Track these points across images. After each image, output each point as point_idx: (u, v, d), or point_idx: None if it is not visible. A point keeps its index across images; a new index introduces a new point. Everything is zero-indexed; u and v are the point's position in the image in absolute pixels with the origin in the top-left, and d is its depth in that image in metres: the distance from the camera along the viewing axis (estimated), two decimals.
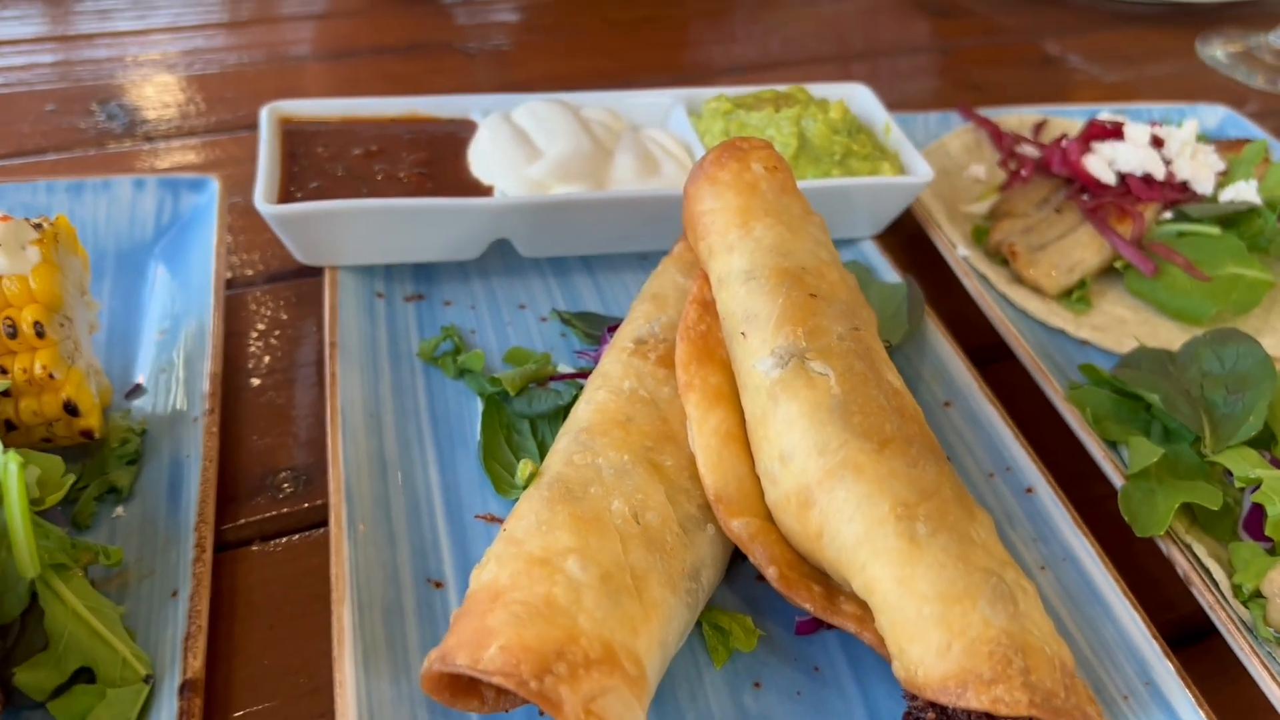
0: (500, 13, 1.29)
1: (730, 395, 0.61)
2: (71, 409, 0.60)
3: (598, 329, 0.76)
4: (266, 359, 0.77)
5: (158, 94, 1.07)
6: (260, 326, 0.80)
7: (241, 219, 0.89)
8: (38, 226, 0.61)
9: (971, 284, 0.82)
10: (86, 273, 0.67)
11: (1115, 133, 0.91)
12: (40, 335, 0.58)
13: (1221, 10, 1.40)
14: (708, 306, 0.64)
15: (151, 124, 1.02)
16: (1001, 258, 0.87)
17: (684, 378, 0.61)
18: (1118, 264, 0.86)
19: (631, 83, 1.16)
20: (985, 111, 1.04)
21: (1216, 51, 1.32)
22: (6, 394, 0.58)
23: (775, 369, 0.58)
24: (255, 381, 0.75)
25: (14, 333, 0.58)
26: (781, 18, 1.35)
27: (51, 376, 0.59)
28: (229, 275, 0.83)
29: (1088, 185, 0.89)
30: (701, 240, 0.64)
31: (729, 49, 1.27)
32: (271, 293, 0.83)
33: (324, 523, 0.66)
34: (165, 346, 0.72)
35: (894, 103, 1.14)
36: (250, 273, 0.85)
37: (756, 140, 0.66)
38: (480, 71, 1.16)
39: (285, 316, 0.81)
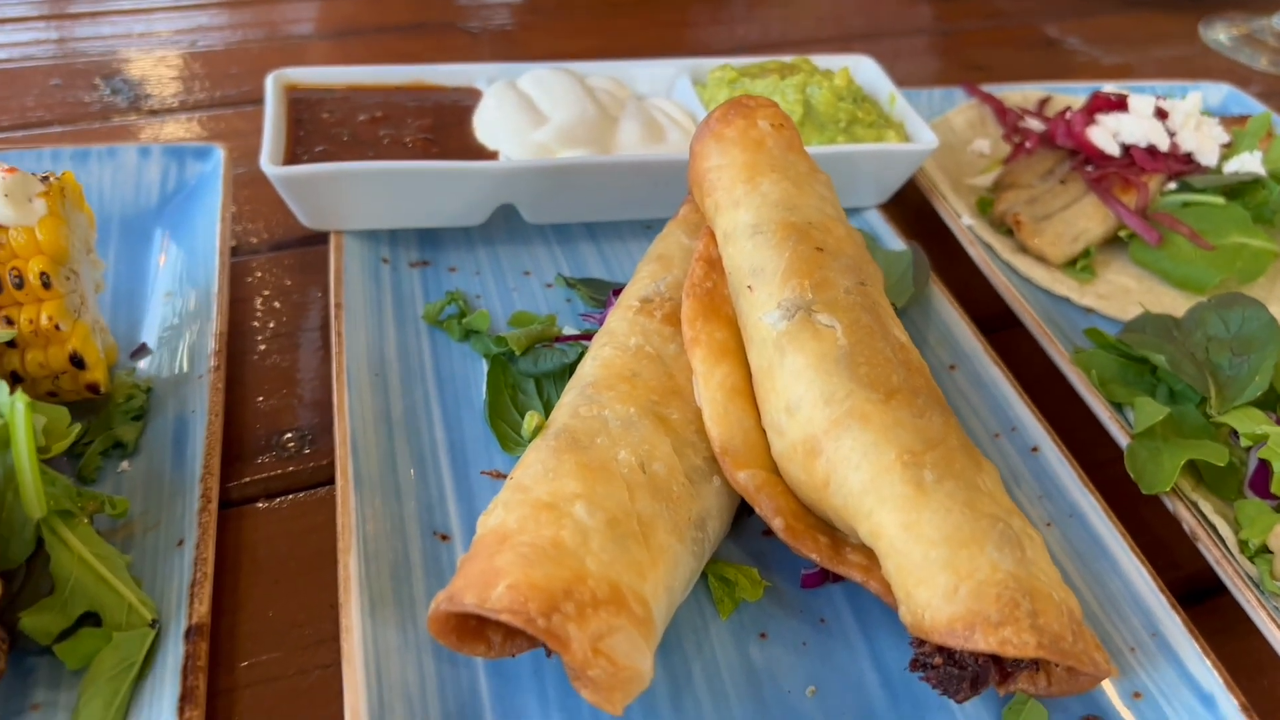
0: None
1: (736, 350, 0.61)
2: (78, 361, 0.60)
3: (602, 293, 0.76)
4: (271, 323, 0.77)
5: (161, 69, 1.08)
6: (265, 292, 0.80)
7: (246, 189, 0.89)
8: (44, 179, 0.61)
9: (976, 252, 0.82)
10: (92, 230, 0.67)
11: (1119, 105, 0.91)
12: (46, 286, 0.58)
13: None
14: (714, 264, 0.64)
15: (155, 98, 1.03)
16: (1006, 228, 0.87)
17: (690, 333, 0.61)
18: (1122, 233, 0.86)
19: (636, 60, 1.16)
20: (988, 88, 1.04)
21: (1219, 35, 1.32)
22: (12, 345, 0.58)
23: (782, 321, 0.58)
24: (260, 345, 0.75)
25: (20, 283, 0.58)
26: (785, 0, 1.36)
27: (58, 328, 0.59)
28: (234, 244, 0.83)
29: (1092, 156, 0.89)
30: (708, 196, 0.64)
31: (731, 30, 1.27)
32: (276, 260, 0.83)
33: (328, 481, 0.66)
34: (171, 309, 0.72)
35: (897, 81, 1.15)
36: (255, 241, 0.85)
37: (762, 98, 0.66)
38: (484, 50, 1.16)
39: (289, 283, 0.81)
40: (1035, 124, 0.97)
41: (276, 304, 0.79)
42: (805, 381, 0.55)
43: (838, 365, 0.56)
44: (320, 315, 0.78)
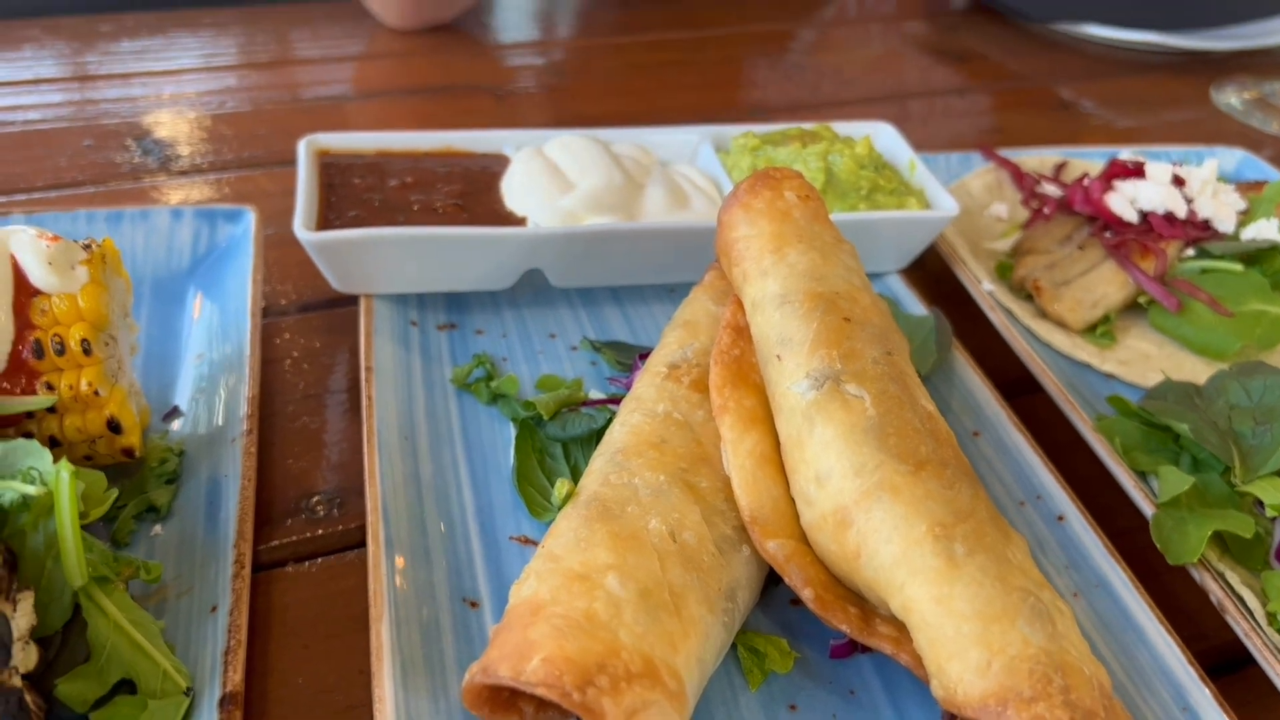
0: (530, 56, 1.32)
1: (764, 418, 0.61)
2: (114, 426, 0.61)
3: (628, 357, 0.76)
4: (300, 384, 0.78)
5: (191, 130, 1.10)
6: (294, 354, 0.81)
7: (275, 250, 0.91)
8: (86, 247, 0.62)
9: (998, 318, 0.82)
10: (129, 295, 0.68)
11: (1137, 171, 0.92)
12: (87, 353, 0.59)
13: (1235, 58, 1.42)
14: (741, 331, 0.65)
15: (185, 159, 1.04)
16: (1026, 293, 0.88)
17: (718, 400, 0.62)
18: (1141, 299, 0.86)
19: (658, 123, 1.18)
20: (1005, 153, 1.06)
21: (1231, 98, 1.34)
22: (51, 409, 0.59)
23: (811, 391, 0.58)
24: (289, 407, 0.76)
25: (61, 349, 0.59)
26: (802, 63, 1.38)
27: (96, 393, 0.60)
28: (263, 304, 0.84)
29: (1110, 223, 0.90)
30: (736, 266, 0.65)
31: (751, 93, 1.29)
32: (305, 321, 0.84)
33: (358, 545, 0.66)
34: (202, 371, 0.73)
35: (915, 144, 1.16)
36: (284, 301, 0.86)
37: (788, 170, 0.67)
38: (510, 114, 1.18)
39: (318, 344, 0.82)
40: (1052, 189, 0.98)
41: (305, 365, 0.80)
42: (835, 452, 0.56)
43: (867, 436, 0.56)
44: (348, 377, 0.79)
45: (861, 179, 0.82)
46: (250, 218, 0.84)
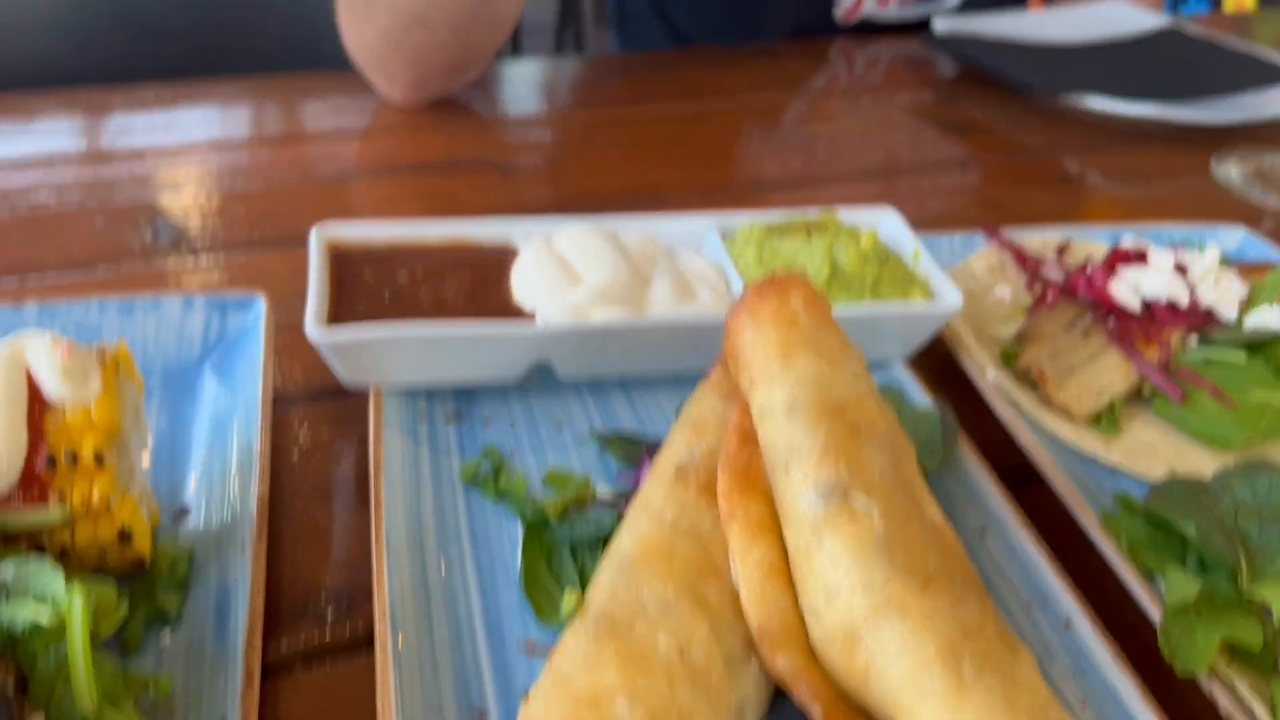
0: (534, 130, 1.34)
1: (772, 526, 0.61)
2: (125, 536, 0.61)
3: (636, 451, 0.77)
4: (309, 479, 0.78)
5: (202, 209, 1.11)
6: (303, 444, 0.81)
7: (285, 335, 0.91)
8: (100, 355, 0.63)
9: (1003, 410, 0.83)
10: (141, 396, 0.69)
11: (1139, 258, 0.93)
12: (99, 464, 0.60)
13: (1236, 130, 1.44)
14: (748, 436, 0.65)
15: (196, 239, 1.06)
16: (1031, 381, 0.88)
17: (726, 508, 0.62)
18: (1145, 389, 0.87)
19: (661, 200, 1.19)
20: (1008, 232, 1.07)
21: (1231, 170, 1.35)
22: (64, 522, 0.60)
23: (819, 503, 0.59)
24: (298, 502, 0.76)
25: (74, 461, 0.60)
26: (803, 134, 1.39)
27: (108, 505, 0.60)
28: (273, 393, 0.84)
29: (1113, 310, 0.91)
30: (743, 372, 0.66)
31: (752, 168, 1.31)
32: (314, 410, 0.85)
33: (365, 645, 0.66)
34: (212, 467, 0.74)
35: (916, 220, 1.17)
36: (292, 389, 0.87)
37: (795, 274, 0.68)
38: (517, 189, 1.19)
39: (327, 434, 0.83)
40: (1055, 272, 0.99)
41: (314, 457, 0.80)
42: (843, 567, 0.56)
43: (875, 551, 0.56)
44: (355, 470, 0.80)
45: (866, 272, 0.83)
46: (261, 306, 0.85)
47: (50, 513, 0.58)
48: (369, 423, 0.77)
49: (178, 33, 1.78)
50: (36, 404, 0.60)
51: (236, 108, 1.35)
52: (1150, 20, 1.75)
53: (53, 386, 0.60)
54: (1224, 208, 1.29)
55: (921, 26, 1.79)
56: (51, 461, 0.59)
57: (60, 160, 1.19)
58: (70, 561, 0.61)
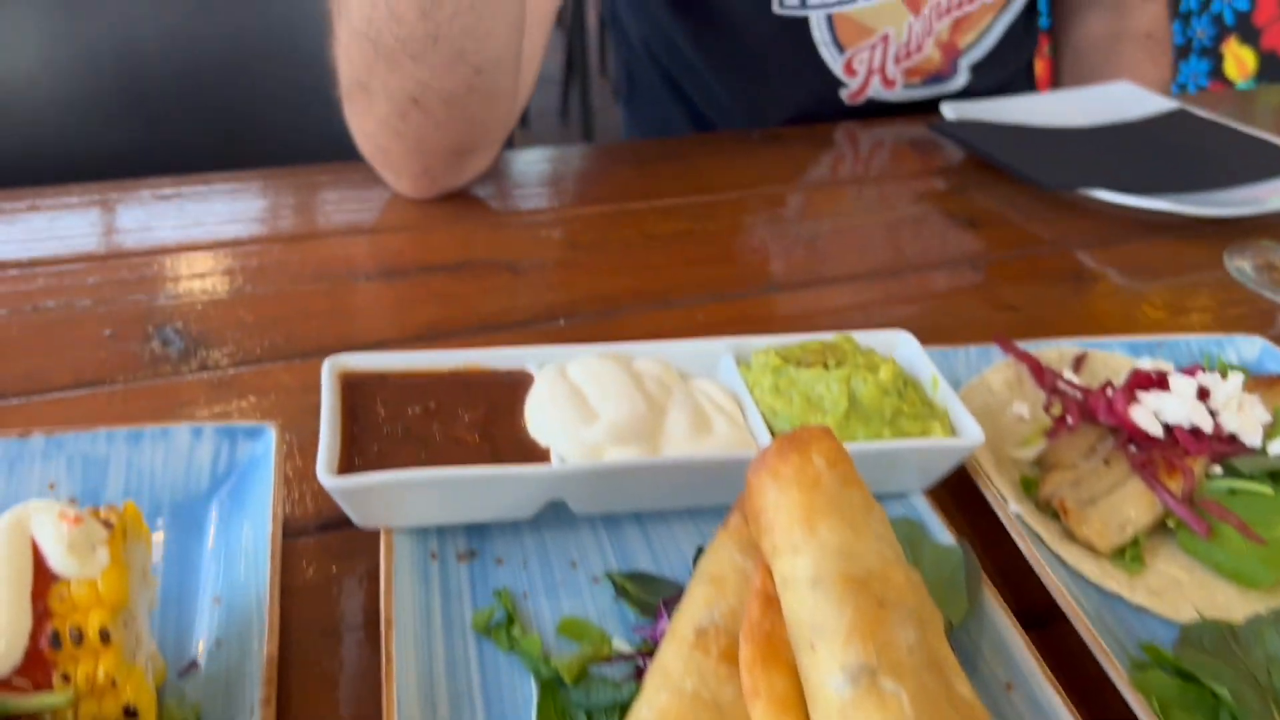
0: (545, 225, 1.33)
1: (797, 703, 0.60)
2: (131, 713, 0.59)
3: (653, 595, 0.75)
4: (318, 620, 0.77)
5: (211, 316, 1.10)
6: (313, 581, 0.80)
7: (294, 460, 0.90)
8: (107, 524, 0.62)
9: (1025, 546, 0.81)
10: (149, 553, 0.67)
11: (1160, 383, 0.92)
12: (105, 641, 0.58)
13: (1247, 221, 1.43)
14: (771, 602, 0.64)
15: (204, 347, 1.05)
16: (1052, 510, 0.87)
17: (749, 682, 0.60)
18: (1169, 521, 0.85)
19: (671, 301, 1.19)
20: (1023, 343, 1.06)
21: (1243, 265, 1.35)
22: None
23: (846, 686, 0.57)
24: (306, 646, 0.75)
25: (79, 638, 0.58)
26: (812, 229, 1.39)
27: (113, 682, 0.58)
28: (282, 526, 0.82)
29: (1135, 436, 0.89)
30: (765, 536, 0.65)
31: (763, 264, 1.30)
32: (324, 544, 0.83)
33: None
34: (220, 617, 0.72)
35: (928, 324, 1.16)
36: (302, 519, 0.86)
37: (817, 430, 0.67)
38: (528, 290, 1.19)
39: (336, 570, 0.81)
40: (1074, 392, 0.98)
41: (324, 595, 0.79)
42: None
43: None
44: (365, 609, 0.78)
45: (885, 404, 0.82)
46: (271, 437, 0.84)
47: (54, 697, 0.57)
48: (380, 561, 0.76)
49: (189, 119, 1.78)
50: (41, 578, 0.59)
51: (247, 204, 1.35)
52: (1159, 102, 1.75)
53: (58, 560, 0.59)
54: (1236, 304, 1.28)
55: (930, 107, 1.80)
56: (56, 639, 0.58)
57: (67, 260, 1.19)
58: None
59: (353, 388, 0.82)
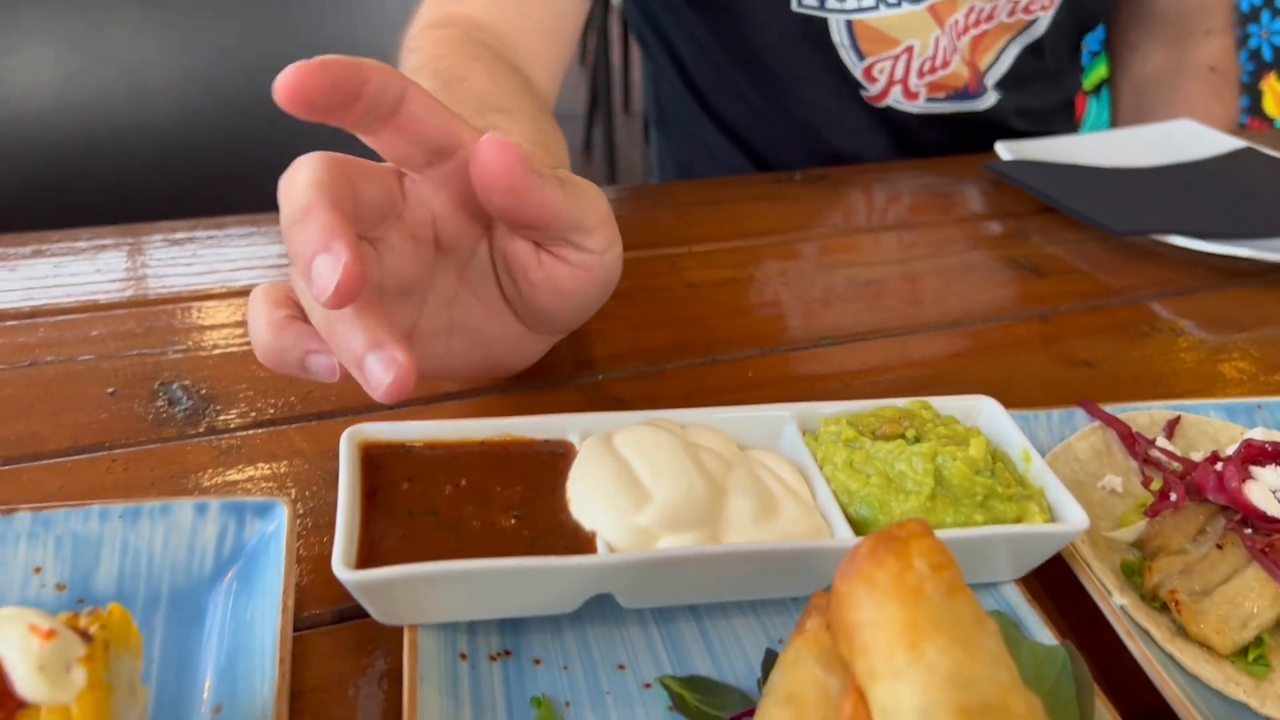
0: None
1: None
2: None
3: (717, 707, 0.65)
4: None
5: (219, 372, 1.02)
6: (327, 679, 0.71)
7: (307, 539, 0.81)
8: (86, 635, 0.53)
9: (1135, 646, 0.71)
10: (139, 663, 0.58)
11: (1275, 456, 0.82)
12: None
13: None
14: None
15: (214, 409, 0.96)
16: (1160, 603, 0.77)
17: None
18: None
19: (718, 356, 1.10)
20: (1106, 405, 0.96)
21: None
22: None
23: None
24: None
25: None
26: (865, 277, 1.30)
27: None
28: (293, 614, 0.73)
29: (1251, 516, 0.79)
30: (859, 657, 0.55)
31: (814, 315, 1.21)
32: (339, 636, 0.74)
33: None
34: None
35: (997, 384, 1.07)
36: (317, 606, 0.77)
37: (915, 526, 0.57)
38: (561, 343, 1.09)
39: (351, 667, 0.72)
40: (1170, 461, 0.88)
41: (338, 698, 0.70)
42: None
43: None
44: (384, 717, 0.69)
45: (976, 485, 0.72)
46: (283, 514, 0.75)
47: None
48: (403, 661, 0.67)
49: (201, 161, 1.72)
50: (7, 705, 0.50)
51: (262, 248, 1.27)
52: (1224, 141, 1.66)
53: (26, 683, 0.50)
54: None
55: (958, 122, 1.74)
56: None
57: (71, 310, 1.11)
58: None
59: (374, 462, 0.73)
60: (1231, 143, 1.64)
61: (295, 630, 0.73)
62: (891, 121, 1.80)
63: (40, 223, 1.29)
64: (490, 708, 0.66)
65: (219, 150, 1.75)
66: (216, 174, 1.74)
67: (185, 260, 1.23)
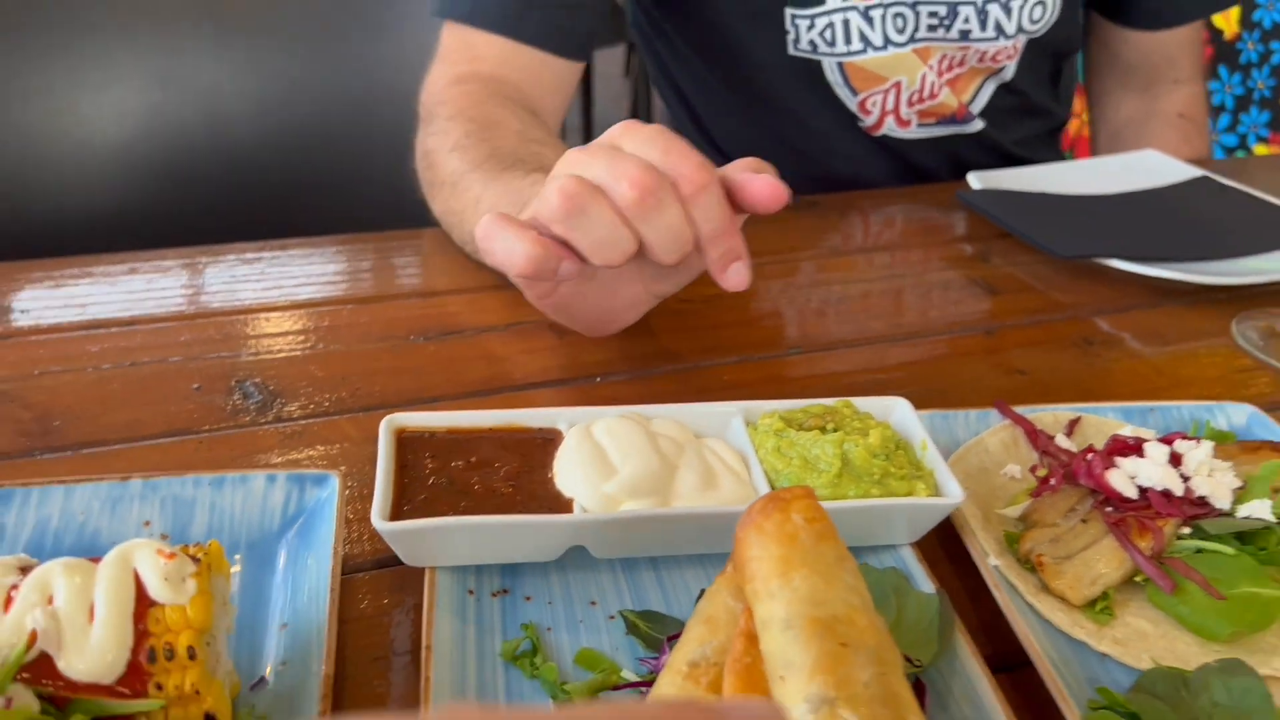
0: None
1: None
2: (211, 718, 0.71)
3: (661, 631, 0.85)
4: (370, 647, 0.88)
5: (287, 372, 1.23)
6: (367, 613, 0.91)
7: (355, 504, 1.02)
8: (195, 559, 0.74)
9: (1000, 596, 0.90)
10: (229, 585, 0.79)
11: (1136, 449, 1.00)
12: (192, 658, 0.70)
13: (1261, 289, 1.49)
14: (753, 639, 0.73)
15: (281, 402, 1.18)
16: (1031, 565, 0.95)
17: None
18: (1138, 577, 0.93)
19: (700, 362, 1.29)
20: (1025, 408, 1.14)
21: (1251, 332, 1.41)
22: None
23: (808, 715, 0.66)
24: (359, 670, 0.86)
25: (171, 655, 0.70)
26: (838, 294, 1.49)
27: (197, 692, 0.70)
28: (342, 562, 0.94)
29: (1112, 498, 0.97)
30: (748, 583, 0.75)
31: (788, 327, 1.40)
32: (378, 579, 0.95)
33: None
34: (286, 642, 0.84)
35: (936, 389, 1.25)
36: (360, 556, 0.97)
37: (799, 490, 0.77)
38: (567, 351, 1.30)
39: (387, 602, 0.93)
40: (1063, 453, 1.06)
41: (375, 626, 0.90)
42: None
43: None
44: (410, 639, 0.89)
45: (874, 466, 0.91)
46: (334, 484, 0.96)
47: (149, 703, 0.69)
48: (424, 596, 0.87)
49: (271, 185, 1.94)
50: (141, 603, 0.71)
51: (320, 267, 1.49)
52: (1182, 170, 1.82)
53: (155, 588, 0.71)
54: (1242, 372, 1.35)
55: (950, 144, 1.92)
56: (152, 655, 0.70)
57: (162, 320, 1.33)
58: None
59: (405, 443, 0.94)
60: (1190, 171, 1.80)
61: (342, 574, 0.94)
62: (888, 148, 1.98)
63: (132, 244, 1.53)
64: (490, 631, 0.87)
65: (285, 175, 1.97)
66: (282, 198, 1.97)
67: (255, 277, 1.45)
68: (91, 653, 0.69)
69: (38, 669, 0.68)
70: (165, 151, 2.01)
